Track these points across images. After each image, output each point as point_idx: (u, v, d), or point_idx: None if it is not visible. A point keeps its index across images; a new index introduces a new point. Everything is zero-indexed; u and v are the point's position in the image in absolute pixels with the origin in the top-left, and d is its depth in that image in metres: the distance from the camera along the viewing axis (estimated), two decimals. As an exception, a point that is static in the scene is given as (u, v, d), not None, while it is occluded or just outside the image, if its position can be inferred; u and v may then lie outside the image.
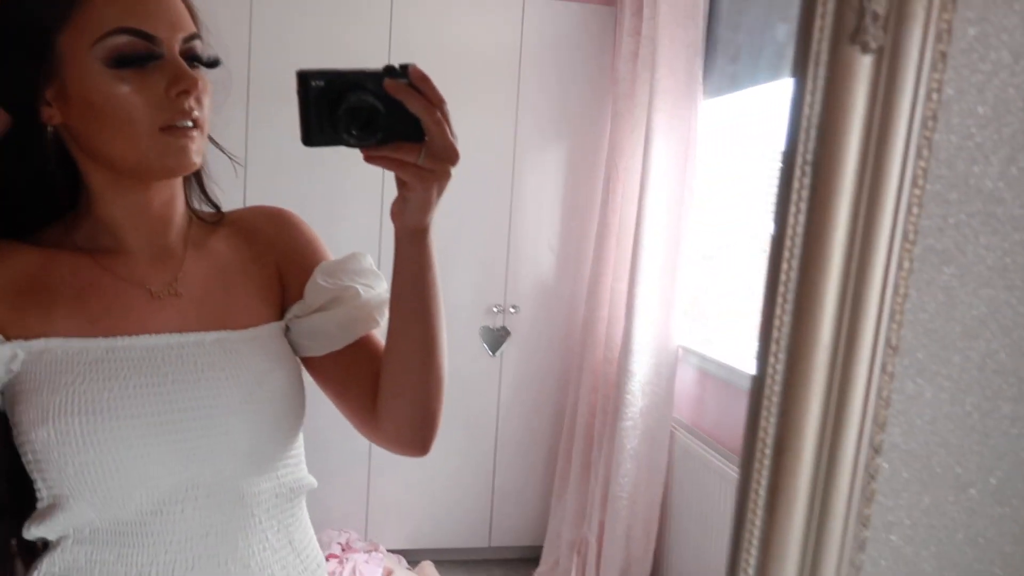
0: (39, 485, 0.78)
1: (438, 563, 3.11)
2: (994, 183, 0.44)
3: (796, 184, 0.38)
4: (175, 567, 0.78)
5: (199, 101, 0.77)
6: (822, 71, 0.37)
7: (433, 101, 0.71)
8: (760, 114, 2.49)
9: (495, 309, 3.15)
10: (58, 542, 0.78)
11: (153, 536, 0.77)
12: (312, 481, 0.91)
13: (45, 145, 0.76)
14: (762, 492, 0.40)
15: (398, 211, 0.77)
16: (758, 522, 0.41)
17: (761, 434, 0.40)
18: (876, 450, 0.42)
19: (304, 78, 0.71)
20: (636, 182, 2.80)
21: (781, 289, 0.38)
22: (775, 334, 0.39)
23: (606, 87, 3.11)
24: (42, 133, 0.76)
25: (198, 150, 0.78)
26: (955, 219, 0.44)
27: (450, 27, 3.01)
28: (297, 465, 0.89)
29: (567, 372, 3.21)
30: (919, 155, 0.39)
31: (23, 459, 0.77)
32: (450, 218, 2.88)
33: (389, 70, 0.72)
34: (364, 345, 0.89)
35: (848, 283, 0.39)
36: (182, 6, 0.78)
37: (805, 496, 0.41)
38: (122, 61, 0.73)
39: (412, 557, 3.13)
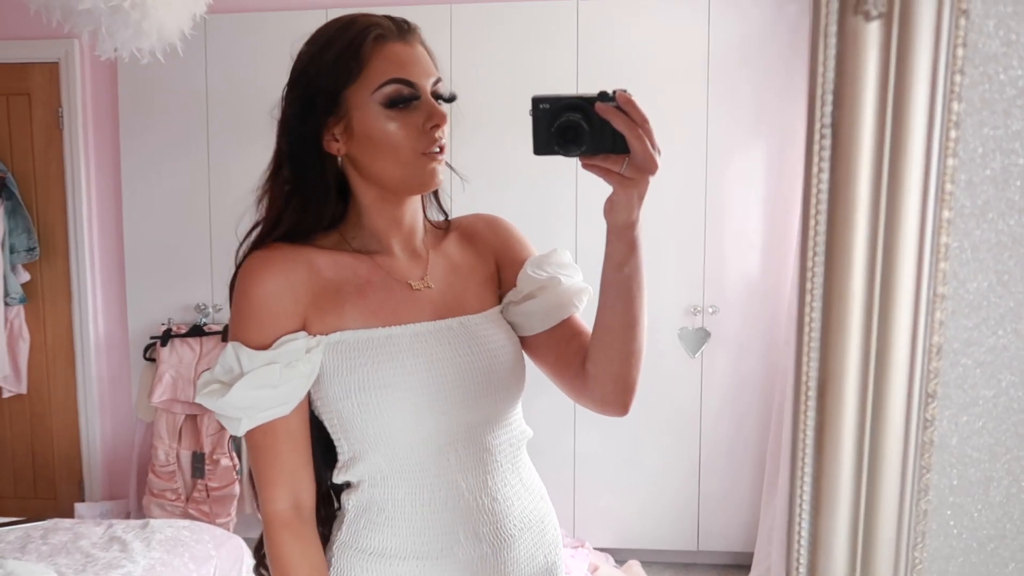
0: (342, 443, 1.01)
1: (645, 564, 3.14)
2: (1064, 129, 0.44)
3: (817, 146, 0.41)
4: (447, 500, 0.99)
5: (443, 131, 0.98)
6: (832, 41, 0.40)
7: (636, 121, 0.86)
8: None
9: (693, 310, 3.14)
10: (358, 484, 1.01)
11: (429, 477, 0.99)
12: (530, 431, 1.10)
13: (331, 169, 1.00)
14: (809, 432, 0.44)
15: (608, 209, 0.92)
16: (808, 460, 0.44)
17: (804, 378, 0.43)
18: (931, 395, 0.44)
19: (535, 102, 0.89)
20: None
21: (811, 244, 0.42)
22: (809, 285, 0.42)
23: (804, 77, 2.98)
24: (331, 161, 1.00)
25: (443, 171, 1.00)
26: (1019, 169, 0.44)
27: (635, 37, 3.07)
28: (520, 420, 1.09)
29: (772, 372, 3.10)
30: (948, 109, 0.41)
31: (327, 424, 1.01)
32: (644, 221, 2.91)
33: (602, 95, 0.88)
34: (570, 324, 1.07)
35: (876, 235, 0.41)
36: (428, 56, 1.00)
37: (852, 437, 0.43)
38: (392, 103, 0.96)
39: (619, 556, 3.18)
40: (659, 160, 0.87)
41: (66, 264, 3.43)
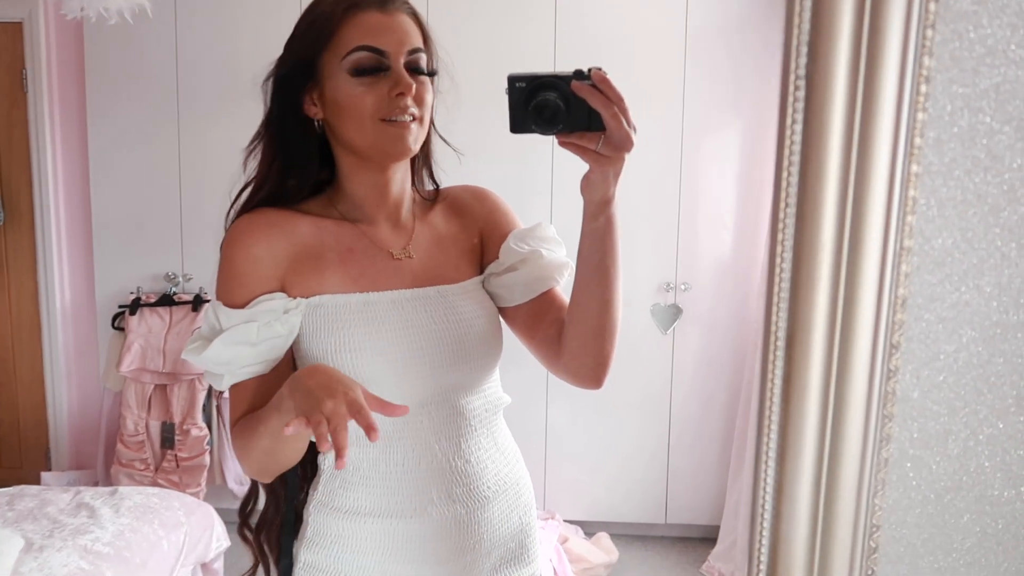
0: None
1: (614, 536, 3.19)
2: (1030, 89, 0.45)
3: (791, 97, 0.42)
4: (420, 461, 1.02)
5: (419, 101, 0.98)
6: (809, -8, 0.40)
7: (612, 99, 0.87)
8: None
9: (666, 287, 3.16)
10: None
11: (403, 440, 1.01)
12: (507, 398, 1.12)
13: (311, 134, 1.03)
14: (777, 381, 0.45)
15: (584, 187, 0.93)
16: (775, 407, 0.45)
17: (773, 328, 0.44)
18: (895, 346, 0.45)
19: (511, 80, 0.90)
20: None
21: (783, 194, 0.43)
22: (780, 236, 0.43)
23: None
24: (311, 125, 1.02)
25: (415, 140, 0.99)
26: (985, 127, 0.45)
27: (613, 14, 3.05)
28: (497, 387, 1.11)
29: (743, 350, 3.15)
30: (919, 63, 0.41)
31: None
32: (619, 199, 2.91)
33: (578, 73, 0.88)
34: (549, 297, 1.09)
35: (847, 186, 0.42)
36: (412, 25, 1.00)
37: (818, 385, 0.44)
38: (360, 70, 0.97)
39: (588, 529, 3.22)
40: (635, 138, 0.88)
41: (31, 231, 3.36)
